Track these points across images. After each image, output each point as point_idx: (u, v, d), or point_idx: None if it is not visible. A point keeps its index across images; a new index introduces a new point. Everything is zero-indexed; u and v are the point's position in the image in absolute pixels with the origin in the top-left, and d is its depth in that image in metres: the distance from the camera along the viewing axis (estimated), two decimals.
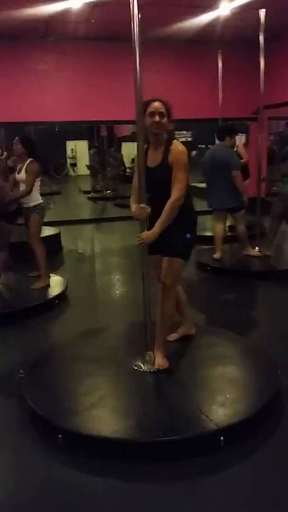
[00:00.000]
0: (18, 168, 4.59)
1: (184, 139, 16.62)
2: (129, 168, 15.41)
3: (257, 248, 5.55)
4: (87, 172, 15.87)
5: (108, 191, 12.63)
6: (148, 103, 2.66)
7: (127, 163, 15.84)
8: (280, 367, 2.79)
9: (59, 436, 2.32)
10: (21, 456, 2.32)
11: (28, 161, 4.46)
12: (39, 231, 4.66)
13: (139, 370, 2.83)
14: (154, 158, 2.74)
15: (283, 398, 2.62)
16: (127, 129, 16.31)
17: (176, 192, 2.61)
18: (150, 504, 1.97)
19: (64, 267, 5.90)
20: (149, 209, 2.65)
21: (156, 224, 2.65)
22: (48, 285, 4.67)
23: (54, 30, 8.21)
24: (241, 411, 2.40)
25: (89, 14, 7.34)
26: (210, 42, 7.97)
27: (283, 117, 8.45)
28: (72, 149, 19.95)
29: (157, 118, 2.63)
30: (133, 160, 15.98)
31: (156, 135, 2.70)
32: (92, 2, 6.75)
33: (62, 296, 4.51)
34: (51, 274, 4.82)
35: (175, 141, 2.70)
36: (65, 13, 7.16)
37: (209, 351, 3.09)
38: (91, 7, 6.97)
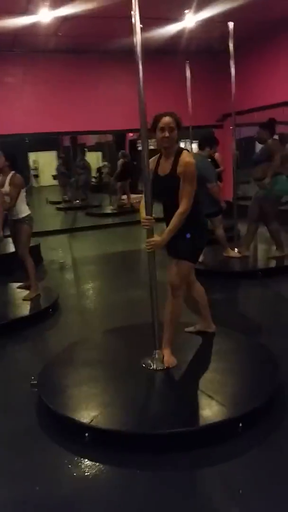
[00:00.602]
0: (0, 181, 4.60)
1: (152, 147, 16.87)
2: (94, 177, 15.52)
3: (236, 249, 5.80)
4: (51, 182, 15.85)
5: (77, 201, 12.68)
6: (159, 118, 2.81)
7: (93, 173, 15.93)
8: (278, 358, 3.00)
9: (86, 434, 2.42)
10: (50, 457, 2.40)
11: (11, 174, 4.49)
12: (29, 241, 4.71)
13: (149, 368, 2.97)
14: (164, 167, 2.90)
15: (283, 386, 2.81)
16: (91, 139, 16.45)
17: (183, 205, 2.77)
18: (177, 492, 2.09)
19: (48, 277, 5.95)
20: (153, 220, 2.81)
21: (165, 231, 2.83)
22: (39, 295, 4.72)
23: (21, 43, 8.28)
24: (254, 399, 2.58)
25: (57, 28, 7.45)
26: (178, 53, 8.26)
27: (249, 124, 8.80)
28: (34, 160, 19.87)
29: (167, 133, 2.79)
30: (98, 169, 16.11)
31: (167, 148, 2.85)
32: (61, 16, 6.89)
33: (55, 305, 4.57)
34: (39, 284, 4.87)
35: (184, 152, 2.85)
36: (33, 26, 7.25)
37: (213, 347, 3.28)
38: (60, 20, 7.10)
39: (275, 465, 2.22)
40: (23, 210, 4.58)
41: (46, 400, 2.70)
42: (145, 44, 8.43)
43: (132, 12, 2.75)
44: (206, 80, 9.36)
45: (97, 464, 2.31)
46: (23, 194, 4.58)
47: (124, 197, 11.65)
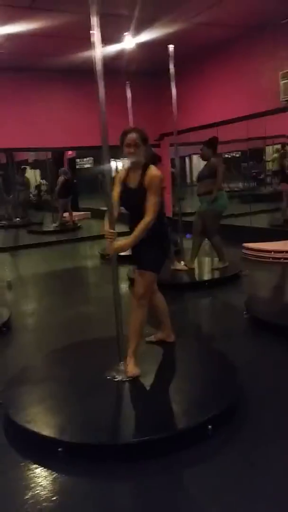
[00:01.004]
0: None
1: (87, 166, 16.95)
2: (33, 195, 15.34)
3: (182, 262, 6.02)
4: None
5: (17, 218, 12.46)
6: (125, 134, 2.94)
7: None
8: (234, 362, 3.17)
9: (59, 449, 2.43)
10: (25, 473, 2.37)
11: None
12: None
13: (114, 380, 3.02)
14: (132, 179, 3.04)
15: (243, 388, 2.98)
16: (29, 156, 16.26)
17: (149, 215, 2.91)
18: (155, 498, 2.15)
19: None
20: (116, 233, 2.91)
21: (130, 236, 2.96)
22: None
23: None
24: (220, 402, 2.71)
25: None
26: (119, 74, 8.49)
27: (184, 143, 9.20)
28: None
29: (132, 149, 2.93)
30: (36, 186, 15.94)
31: (133, 162, 2.99)
32: (4, 34, 6.89)
33: (7, 324, 4.49)
34: None
35: (151, 166, 3.00)
36: None
37: (174, 355, 3.39)
38: (4, 38, 7.09)
39: (246, 462, 2.35)
40: None
41: (14, 417, 2.67)
42: (88, 64, 8.62)
43: (91, 32, 2.84)
44: (146, 100, 9.67)
45: (73, 476, 2.32)
46: None
47: (66, 214, 11.64)
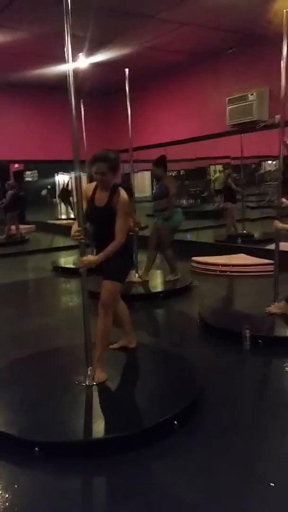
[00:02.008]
0: None
1: (30, 179, 16.85)
2: None
3: (136, 274, 6.25)
4: None
5: None
6: (93, 161, 3.13)
7: None
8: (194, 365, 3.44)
9: (36, 449, 2.54)
10: (2, 474, 2.46)
11: None
12: None
13: (82, 384, 3.17)
14: (100, 199, 3.22)
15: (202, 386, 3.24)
16: None
17: (119, 238, 3.13)
18: (122, 489, 2.33)
19: None
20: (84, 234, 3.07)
21: (100, 254, 3.15)
22: None
23: None
24: (183, 400, 2.94)
25: None
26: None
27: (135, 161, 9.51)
28: None
29: (99, 177, 3.15)
30: None
31: (101, 184, 3.20)
32: None
33: None
34: None
35: (120, 189, 3.20)
36: None
37: (138, 360, 3.60)
38: None
39: (208, 449, 2.59)
40: None
41: None
42: (44, 80, 8.85)
43: (65, 49, 3.00)
44: (98, 118, 9.95)
45: (51, 473, 2.44)
46: None
47: (13, 227, 11.55)
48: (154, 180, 6.40)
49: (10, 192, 11.16)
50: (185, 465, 2.46)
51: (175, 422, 2.73)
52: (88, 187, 3.32)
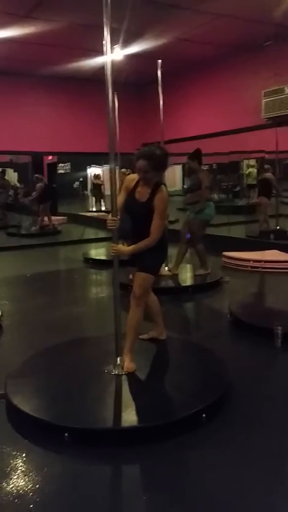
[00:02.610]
0: None
1: (63, 171, 17.05)
2: (10, 196, 15.31)
3: (166, 268, 6.25)
4: None
5: None
6: (137, 158, 3.13)
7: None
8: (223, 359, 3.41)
9: (66, 434, 2.59)
10: (33, 458, 2.52)
11: None
12: None
13: (111, 374, 3.20)
14: (141, 194, 3.22)
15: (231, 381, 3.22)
16: (7, 158, 16.22)
17: (153, 235, 3.13)
18: (152, 479, 2.35)
19: None
20: (118, 221, 3.09)
21: (132, 246, 3.18)
22: None
23: None
24: (212, 393, 2.93)
25: None
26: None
27: None
28: None
29: (141, 174, 3.16)
30: (14, 189, 15.89)
31: (145, 182, 3.20)
32: None
33: None
34: None
35: (162, 187, 3.18)
36: None
37: (168, 352, 3.61)
38: None
39: (237, 444, 2.58)
40: None
41: (20, 406, 2.81)
42: (79, 73, 8.92)
43: (103, 42, 3.02)
44: (130, 111, 9.94)
45: (80, 460, 2.48)
46: None
47: (46, 218, 11.73)
48: (188, 173, 6.36)
49: (39, 185, 11.36)
50: (213, 459, 2.45)
51: (204, 415, 2.73)
52: (130, 177, 3.31)
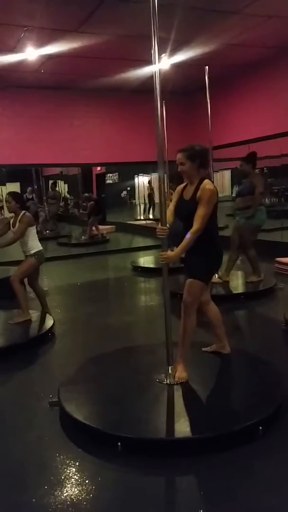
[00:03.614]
0: (12, 222, 4.89)
1: (111, 181, 17.30)
2: (61, 207, 15.69)
3: (216, 275, 6.13)
4: None
5: (47, 231, 12.78)
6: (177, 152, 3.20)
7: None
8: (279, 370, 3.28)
9: (119, 444, 2.56)
10: (86, 466, 2.51)
11: (21, 214, 4.81)
12: (27, 273, 4.88)
13: (163, 383, 3.15)
14: (188, 193, 3.22)
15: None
16: (57, 170, 16.67)
17: (196, 224, 3.05)
18: (209, 490, 2.28)
19: (36, 304, 6.01)
20: (167, 230, 3.08)
21: (177, 248, 3.11)
22: (30, 320, 4.81)
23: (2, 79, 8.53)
24: (268, 406, 2.81)
25: (40, 64, 7.78)
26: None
27: (216, 159, 9.38)
28: None
29: (179, 167, 3.19)
30: (64, 200, 16.29)
31: (186, 177, 3.23)
32: (46, 54, 7.23)
33: (52, 329, 4.67)
34: (30, 310, 4.96)
35: (206, 180, 3.15)
36: (16, 64, 7.55)
37: (224, 364, 3.50)
38: (46, 58, 7.44)
39: None
40: (34, 246, 4.86)
41: (73, 414, 2.82)
42: (127, 83, 8.97)
43: (151, 51, 3.03)
44: (178, 119, 9.93)
45: (133, 470, 2.45)
46: (33, 231, 4.88)
47: (94, 228, 11.95)
48: (242, 176, 6.21)
49: (91, 203, 11.80)
50: (270, 473, 2.35)
51: (260, 428, 2.63)
52: (180, 186, 3.36)
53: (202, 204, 3.07)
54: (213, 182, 5.96)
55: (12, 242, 4.80)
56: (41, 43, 6.75)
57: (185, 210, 3.18)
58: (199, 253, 3.14)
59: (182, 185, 3.33)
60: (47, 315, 4.99)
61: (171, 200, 3.58)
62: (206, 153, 3.26)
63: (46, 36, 6.55)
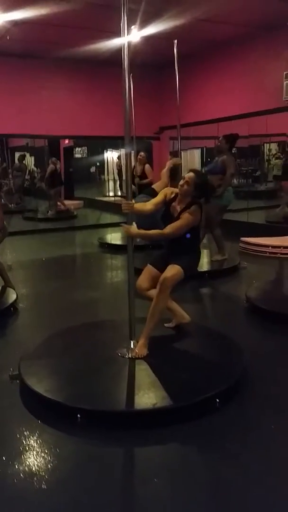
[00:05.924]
0: None
1: (80, 155, 16.98)
2: (27, 180, 15.31)
3: None
4: None
5: (12, 204, 12.50)
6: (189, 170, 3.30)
7: None
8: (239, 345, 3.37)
9: (78, 416, 2.59)
10: (46, 438, 2.53)
11: None
12: None
13: (124, 357, 3.18)
14: (175, 208, 3.34)
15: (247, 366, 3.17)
16: (23, 142, 16.18)
17: (169, 229, 3.23)
18: (163, 462, 2.35)
19: None
20: (132, 205, 3.14)
21: (141, 230, 3.28)
22: None
23: None
24: (226, 379, 2.89)
25: (6, 32, 7.47)
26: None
27: (184, 138, 9.34)
28: None
29: (183, 185, 3.26)
30: (30, 173, 15.89)
31: (181, 195, 3.30)
32: (12, 20, 6.94)
33: (14, 304, 4.61)
34: None
35: (194, 206, 3.25)
36: None
37: (184, 339, 3.57)
38: (11, 24, 7.15)
39: (251, 427, 2.55)
40: None
41: (34, 387, 2.81)
42: (96, 55, 8.76)
43: (121, 23, 2.96)
44: (147, 94, 9.79)
45: (92, 441, 2.49)
46: None
47: (60, 203, 11.76)
48: (217, 152, 6.18)
49: (50, 168, 11.38)
50: (226, 445, 2.43)
51: (217, 400, 2.70)
52: (169, 190, 3.44)
53: (183, 220, 3.22)
54: (181, 159, 5.99)
55: None
56: (7, 8, 6.47)
57: (169, 222, 3.29)
58: (186, 248, 3.35)
59: (172, 191, 3.40)
60: (9, 289, 4.92)
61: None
62: (211, 191, 3.50)
63: (13, 1, 6.28)
